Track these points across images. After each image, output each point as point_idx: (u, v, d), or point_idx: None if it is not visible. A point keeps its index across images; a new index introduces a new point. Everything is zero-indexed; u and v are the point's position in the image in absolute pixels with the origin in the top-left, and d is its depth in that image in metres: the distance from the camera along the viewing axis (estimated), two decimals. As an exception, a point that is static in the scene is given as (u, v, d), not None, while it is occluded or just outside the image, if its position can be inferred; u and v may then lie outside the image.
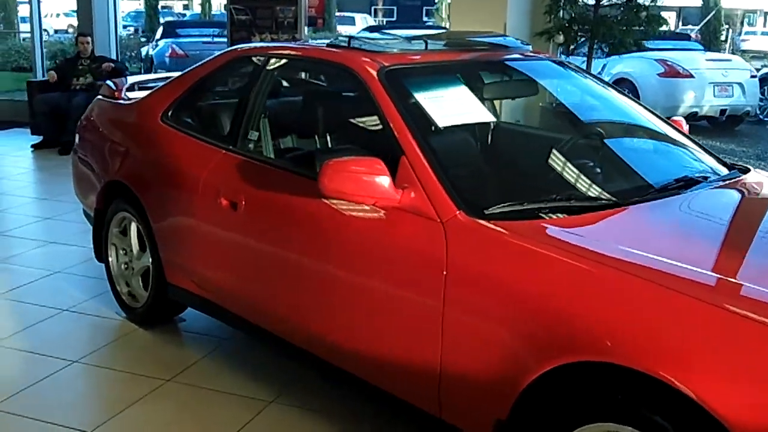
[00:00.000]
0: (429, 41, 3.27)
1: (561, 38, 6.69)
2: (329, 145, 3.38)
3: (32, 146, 8.64)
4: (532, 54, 3.46)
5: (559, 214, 2.47)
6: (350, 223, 2.69)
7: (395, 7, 39.46)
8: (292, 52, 3.43)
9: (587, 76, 3.52)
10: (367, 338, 2.70)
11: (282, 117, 3.46)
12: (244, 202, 3.12)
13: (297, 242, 2.91)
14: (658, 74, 10.53)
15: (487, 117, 2.92)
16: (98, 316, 4.12)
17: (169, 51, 12.75)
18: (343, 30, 25.81)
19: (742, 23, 35.82)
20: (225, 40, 13.76)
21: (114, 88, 4.37)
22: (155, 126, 3.77)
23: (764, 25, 38.03)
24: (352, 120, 3.25)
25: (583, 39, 6.88)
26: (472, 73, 3.21)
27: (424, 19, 37.74)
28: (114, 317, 4.10)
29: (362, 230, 2.66)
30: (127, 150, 3.95)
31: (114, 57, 9.74)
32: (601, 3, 6.85)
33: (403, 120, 2.74)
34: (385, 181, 2.54)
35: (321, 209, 2.77)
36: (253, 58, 3.50)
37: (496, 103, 3.36)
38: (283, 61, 3.42)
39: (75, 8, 9.96)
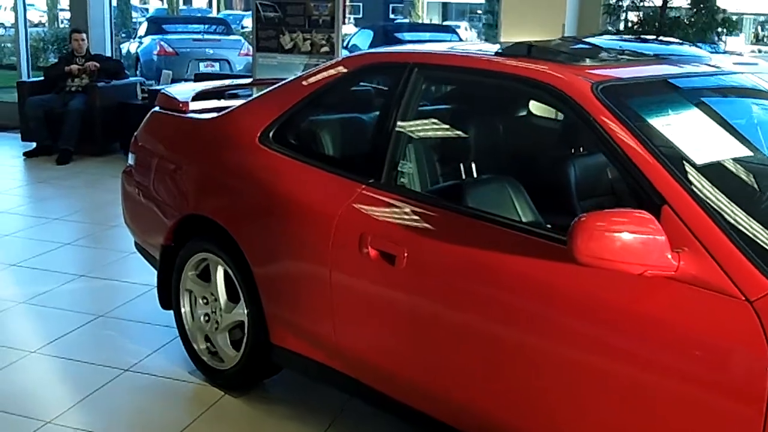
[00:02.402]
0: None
1: (632, 41, 6.12)
2: (519, 187, 2.65)
3: (24, 154, 7.76)
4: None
5: None
6: (599, 295, 2.03)
7: (361, 4, 38.67)
8: (453, 63, 2.73)
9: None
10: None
11: (446, 145, 2.77)
12: (407, 255, 2.44)
13: (503, 314, 2.23)
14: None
15: (747, 150, 2.31)
16: (170, 378, 3.37)
17: (158, 49, 11.87)
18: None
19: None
20: (216, 37, 13.03)
21: (176, 98, 3.62)
22: (253, 149, 3.05)
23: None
24: (549, 151, 2.59)
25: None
26: (704, 94, 2.58)
27: (391, 16, 37.07)
28: (191, 379, 3.36)
29: (618, 305, 2.00)
30: (212, 178, 3.23)
31: (109, 55, 8.88)
32: (667, 5, 6.30)
33: (654, 155, 2.09)
34: (660, 243, 1.89)
35: (550, 276, 2.11)
36: (393, 67, 2.80)
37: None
38: (439, 72, 2.73)
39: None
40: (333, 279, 2.69)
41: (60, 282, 4.45)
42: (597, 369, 2.03)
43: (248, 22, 21.64)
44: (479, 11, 35.17)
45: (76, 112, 7.68)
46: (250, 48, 13.33)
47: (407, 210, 2.53)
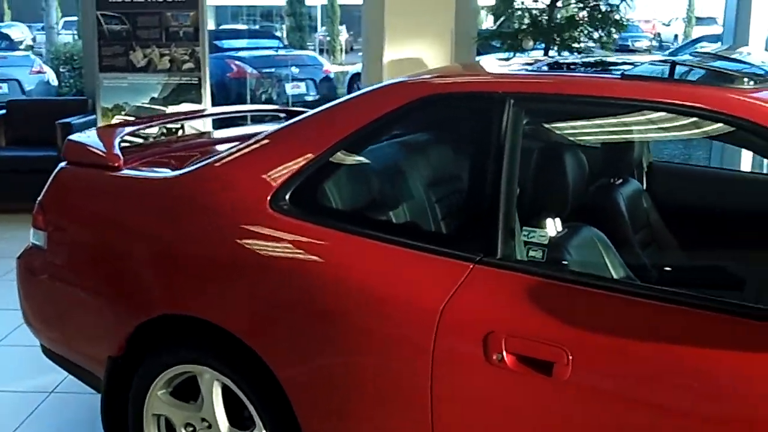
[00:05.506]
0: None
1: (531, 43, 5.78)
2: (599, 233, 2.11)
3: None
4: None
5: None
6: None
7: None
8: (568, 92, 2.01)
9: None
10: None
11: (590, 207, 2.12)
12: (571, 359, 1.75)
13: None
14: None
15: None
16: None
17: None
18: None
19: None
20: (1, 53, 11.18)
21: (102, 150, 2.62)
22: (264, 217, 2.18)
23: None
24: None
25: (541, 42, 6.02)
26: None
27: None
28: None
29: None
30: (199, 262, 2.30)
31: None
32: (556, 5, 6.05)
33: None
34: None
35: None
36: (474, 99, 2.07)
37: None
38: (547, 105, 2.04)
39: None
40: (437, 396, 1.92)
41: None
42: None
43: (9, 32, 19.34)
44: (253, 14, 34.23)
45: None
46: (42, 65, 11.72)
47: (554, 292, 1.84)
